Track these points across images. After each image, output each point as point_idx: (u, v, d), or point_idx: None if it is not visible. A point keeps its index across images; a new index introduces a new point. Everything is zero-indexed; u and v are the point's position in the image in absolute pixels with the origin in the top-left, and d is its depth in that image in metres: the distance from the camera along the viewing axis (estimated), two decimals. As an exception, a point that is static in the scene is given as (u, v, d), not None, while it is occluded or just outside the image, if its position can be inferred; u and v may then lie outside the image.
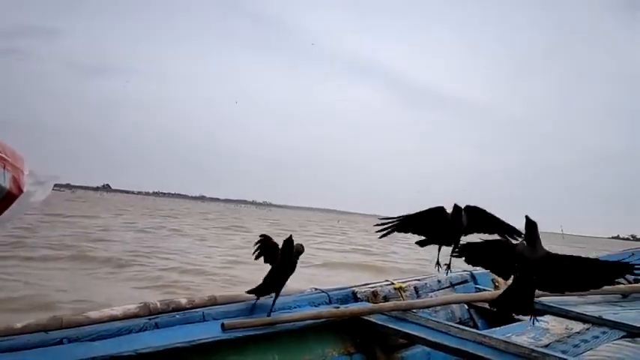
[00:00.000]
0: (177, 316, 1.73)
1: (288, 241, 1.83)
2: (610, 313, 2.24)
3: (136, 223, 20.61)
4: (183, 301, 1.83)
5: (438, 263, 2.11)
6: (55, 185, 1.20)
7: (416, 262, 13.44)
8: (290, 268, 1.85)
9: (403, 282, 2.42)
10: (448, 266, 2.11)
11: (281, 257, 1.83)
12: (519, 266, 1.73)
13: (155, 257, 10.10)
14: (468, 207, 1.98)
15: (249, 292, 1.92)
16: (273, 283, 1.87)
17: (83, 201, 50.32)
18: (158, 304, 1.77)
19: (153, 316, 1.70)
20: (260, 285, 1.89)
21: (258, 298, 1.91)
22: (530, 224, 1.74)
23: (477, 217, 2.00)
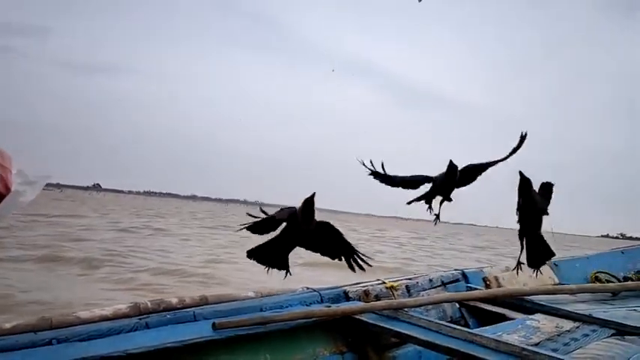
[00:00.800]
0: (168, 316, 1.72)
1: (310, 200, 1.71)
2: (600, 311, 2.26)
3: (120, 222, 20.44)
4: (174, 300, 1.82)
5: (431, 207, 2.16)
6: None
7: (403, 261, 13.41)
8: (307, 231, 1.77)
9: (395, 281, 2.42)
10: (437, 216, 2.14)
11: (302, 215, 1.73)
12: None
13: (132, 257, 10.02)
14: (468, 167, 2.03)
15: (249, 254, 1.83)
16: (283, 247, 1.81)
17: (71, 200, 49.91)
18: (149, 304, 1.76)
19: (143, 316, 1.68)
20: (270, 242, 1.82)
21: (269, 269, 1.85)
22: (525, 181, 1.84)
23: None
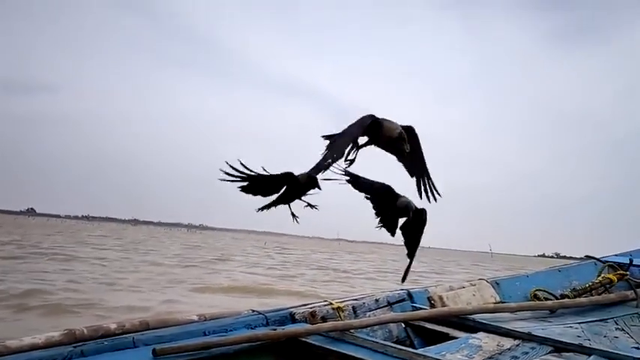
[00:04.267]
0: (106, 342, 1.64)
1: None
2: (539, 328, 2.32)
3: (22, 247, 18.52)
4: (113, 326, 1.74)
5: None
6: None
7: (323, 285, 13.15)
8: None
9: (341, 302, 2.41)
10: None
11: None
12: None
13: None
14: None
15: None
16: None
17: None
18: (85, 331, 1.68)
19: (79, 344, 1.60)
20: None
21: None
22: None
23: None
